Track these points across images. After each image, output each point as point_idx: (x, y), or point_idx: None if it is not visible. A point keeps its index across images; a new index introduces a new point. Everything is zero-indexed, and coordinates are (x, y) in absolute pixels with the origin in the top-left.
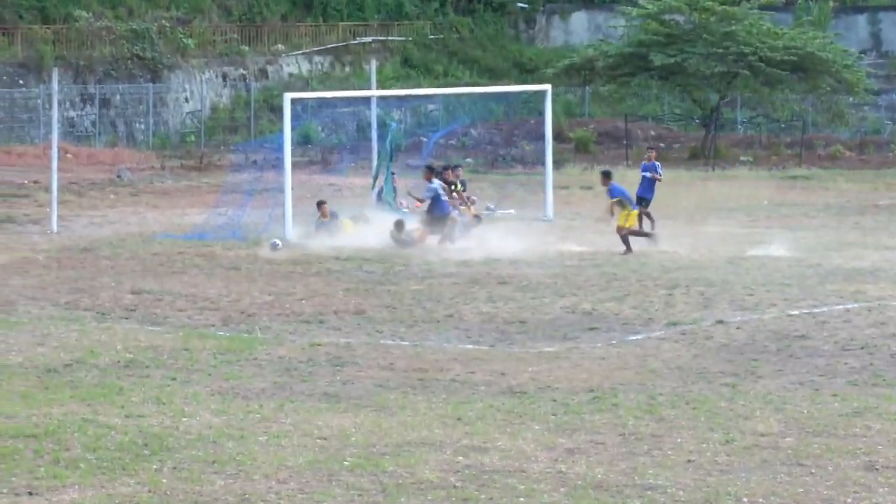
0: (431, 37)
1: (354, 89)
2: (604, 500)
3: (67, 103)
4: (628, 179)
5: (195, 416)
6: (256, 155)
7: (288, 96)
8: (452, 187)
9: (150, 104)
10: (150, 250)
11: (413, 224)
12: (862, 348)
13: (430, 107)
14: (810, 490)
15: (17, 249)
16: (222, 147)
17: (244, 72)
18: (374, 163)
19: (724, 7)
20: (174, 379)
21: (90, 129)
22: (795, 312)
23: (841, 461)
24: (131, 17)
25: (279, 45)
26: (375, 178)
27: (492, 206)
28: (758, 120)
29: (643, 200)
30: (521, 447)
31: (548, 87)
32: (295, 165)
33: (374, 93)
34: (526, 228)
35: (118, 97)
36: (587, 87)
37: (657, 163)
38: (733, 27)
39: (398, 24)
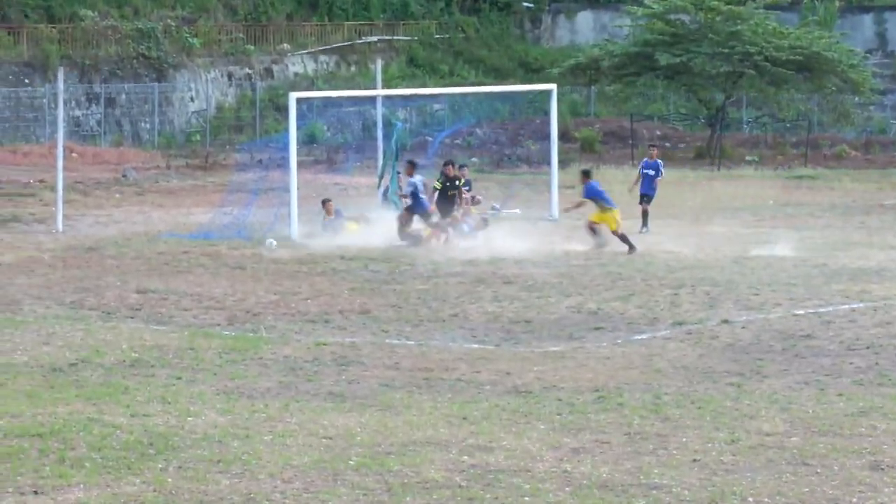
0: (437, 36)
1: (360, 89)
2: (609, 500)
3: (73, 102)
4: (633, 179)
5: (200, 416)
6: (262, 154)
7: (293, 96)
8: (456, 182)
9: (155, 103)
10: (155, 250)
11: (420, 223)
12: (867, 348)
13: (436, 106)
14: (816, 490)
15: (23, 248)
16: (228, 146)
17: (250, 71)
18: (380, 162)
19: (729, 7)
20: (179, 378)
21: (95, 128)
22: (801, 312)
23: (846, 461)
24: (137, 16)
25: (285, 45)
26: (381, 177)
27: (497, 206)
28: (763, 120)
29: (645, 197)
30: (526, 447)
31: (553, 86)
32: (300, 165)
33: (380, 92)
34: (531, 228)
35: (124, 96)
36: (593, 87)
37: (659, 161)
38: (739, 27)
39: (404, 24)
